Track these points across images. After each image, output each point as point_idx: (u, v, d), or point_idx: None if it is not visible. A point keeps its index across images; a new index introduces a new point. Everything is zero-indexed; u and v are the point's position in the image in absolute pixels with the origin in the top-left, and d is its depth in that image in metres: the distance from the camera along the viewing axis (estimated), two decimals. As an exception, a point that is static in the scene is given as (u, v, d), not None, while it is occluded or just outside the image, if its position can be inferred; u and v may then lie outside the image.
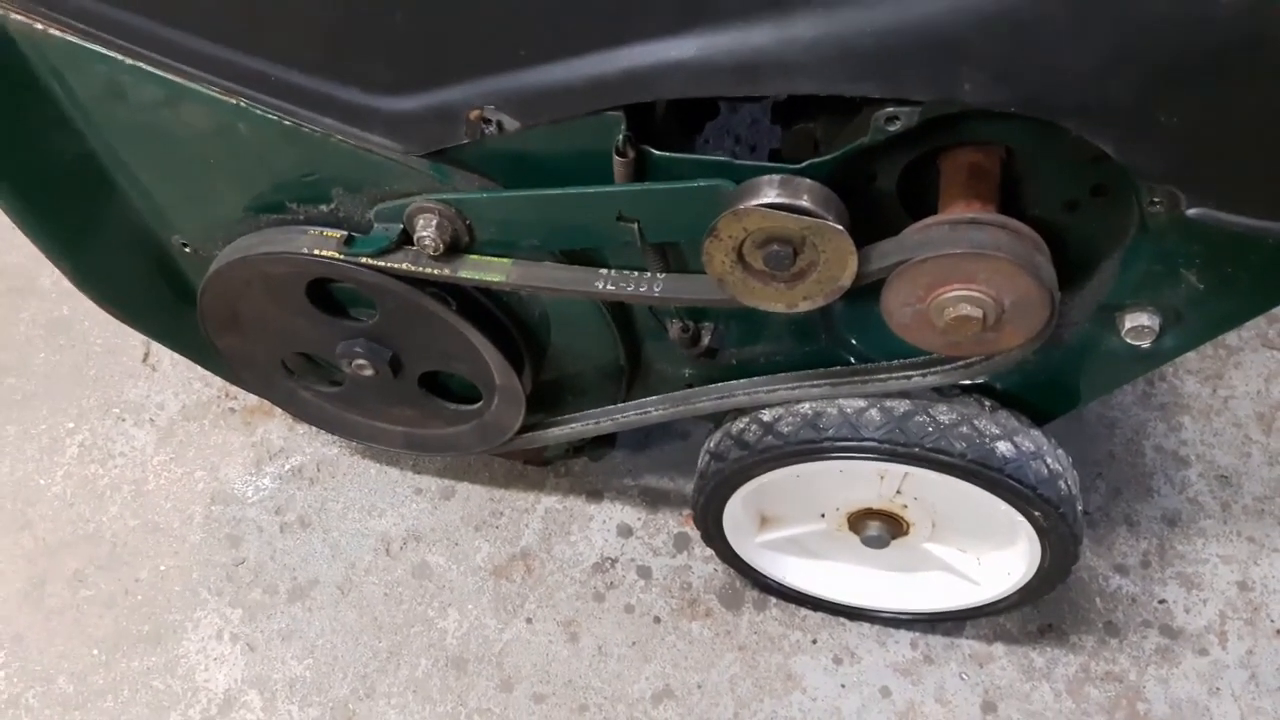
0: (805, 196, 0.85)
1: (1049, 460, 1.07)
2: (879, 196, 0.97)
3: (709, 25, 0.78)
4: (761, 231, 0.87)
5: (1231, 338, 1.71)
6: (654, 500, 1.57)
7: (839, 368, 1.12)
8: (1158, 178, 0.81)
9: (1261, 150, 0.77)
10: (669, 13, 0.79)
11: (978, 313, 0.88)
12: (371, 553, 1.54)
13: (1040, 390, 1.09)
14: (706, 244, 0.90)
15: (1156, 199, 0.82)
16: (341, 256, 1.05)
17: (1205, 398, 1.66)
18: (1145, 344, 0.96)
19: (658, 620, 1.47)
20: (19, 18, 0.94)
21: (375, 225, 1.05)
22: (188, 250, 1.19)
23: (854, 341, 1.12)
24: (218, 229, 1.14)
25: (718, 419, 1.24)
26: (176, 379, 1.71)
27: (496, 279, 1.03)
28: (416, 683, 1.43)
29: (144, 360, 1.74)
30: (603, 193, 0.95)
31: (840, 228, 0.84)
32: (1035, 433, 1.09)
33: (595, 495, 1.58)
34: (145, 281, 1.25)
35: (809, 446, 1.10)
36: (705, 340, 1.15)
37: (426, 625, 1.48)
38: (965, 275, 0.87)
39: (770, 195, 0.85)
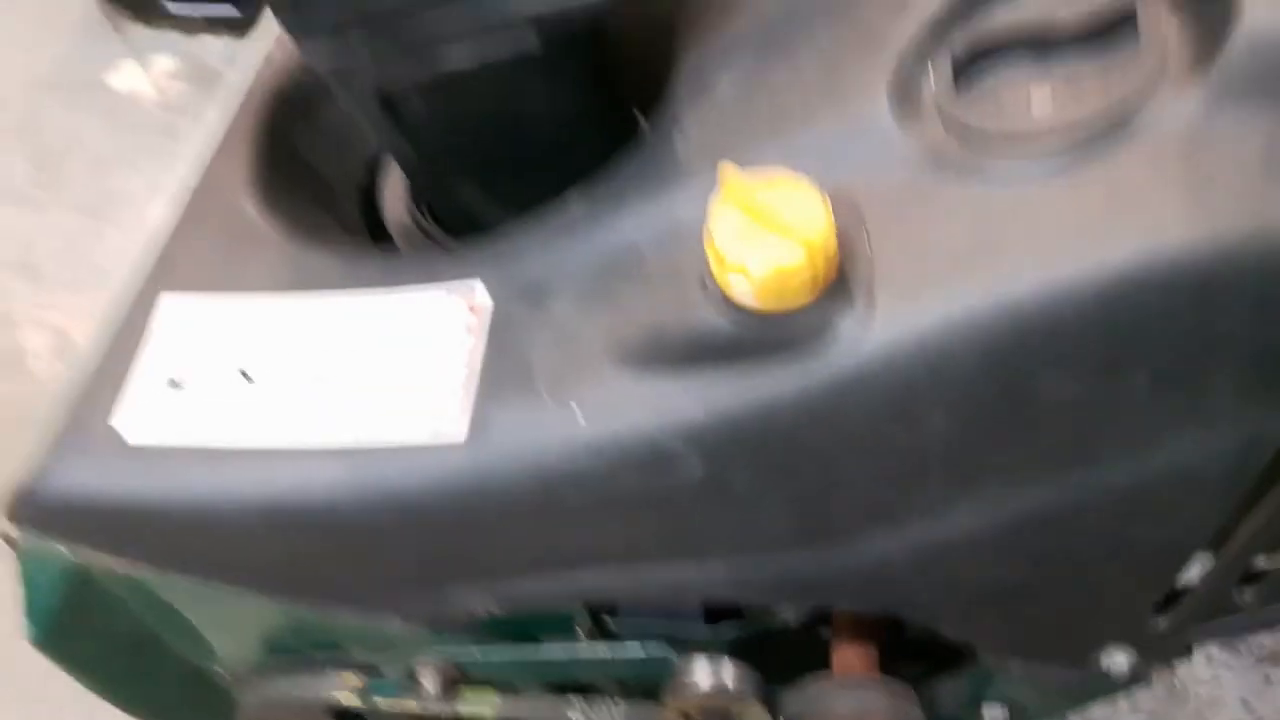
0: (730, 680, 1.12)
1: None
2: (790, 636, 1.23)
3: (644, 566, 1.06)
4: (698, 705, 1.14)
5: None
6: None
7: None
8: (982, 649, 1.10)
9: (1047, 620, 1.06)
10: (611, 559, 1.06)
11: (867, 756, 1.14)
12: None
13: None
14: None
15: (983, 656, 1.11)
16: (361, 702, 1.31)
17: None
18: (1002, 727, 1.24)
19: None
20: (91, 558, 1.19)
21: (386, 672, 1.31)
22: (224, 675, 1.44)
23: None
24: (251, 664, 1.39)
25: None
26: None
27: (488, 714, 1.29)
28: None
29: None
30: (569, 653, 1.22)
31: (756, 704, 1.12)
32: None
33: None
34: (193, 701, 1.48)
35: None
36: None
37: None
38: (852, 728, 1.14)
39: (703, 681, 1.12)
